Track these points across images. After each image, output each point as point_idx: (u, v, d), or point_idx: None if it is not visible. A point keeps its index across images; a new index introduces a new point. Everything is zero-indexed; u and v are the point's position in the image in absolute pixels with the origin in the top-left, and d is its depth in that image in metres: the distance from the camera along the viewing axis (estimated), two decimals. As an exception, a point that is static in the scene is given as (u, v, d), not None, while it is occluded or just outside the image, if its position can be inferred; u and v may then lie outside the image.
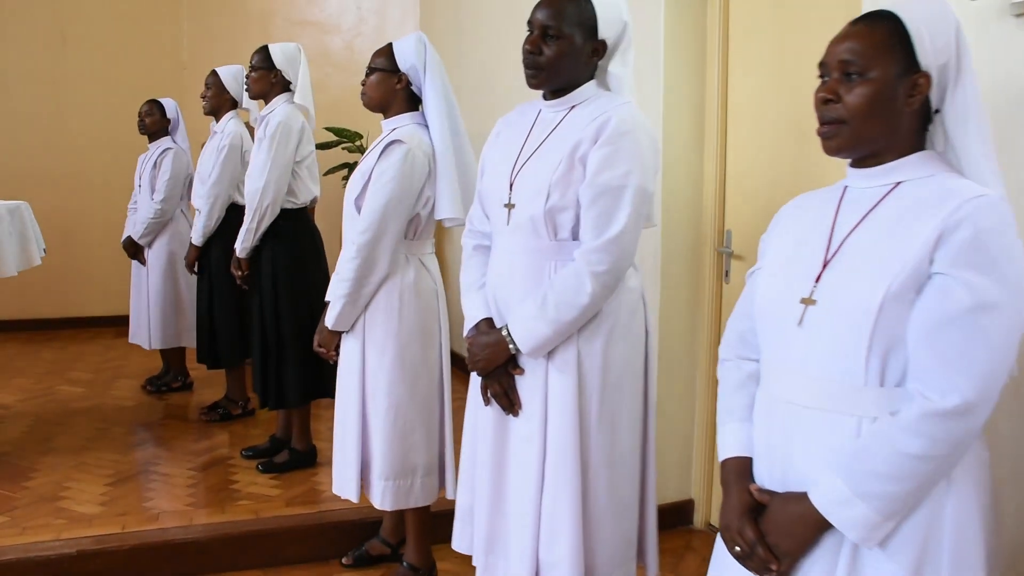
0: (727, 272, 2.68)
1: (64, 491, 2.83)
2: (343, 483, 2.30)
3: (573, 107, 1.70)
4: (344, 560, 2.53)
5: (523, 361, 1.69)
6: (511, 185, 1.71)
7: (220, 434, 3.53)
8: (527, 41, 1.67)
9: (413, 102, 2.28)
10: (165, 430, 3.59)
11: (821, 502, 1.12)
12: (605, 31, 1.67)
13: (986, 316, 1.05)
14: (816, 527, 1.13)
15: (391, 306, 2.21)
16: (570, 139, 1.64)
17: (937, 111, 1.18)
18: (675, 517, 2.80)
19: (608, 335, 1.67)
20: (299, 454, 3.09)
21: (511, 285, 1.71)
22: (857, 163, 1.22)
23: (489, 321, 1.74)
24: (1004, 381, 1.07)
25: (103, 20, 5.69)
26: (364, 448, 2.27)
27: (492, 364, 1.70)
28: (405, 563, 2.39)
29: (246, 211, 2.97)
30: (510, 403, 1.70)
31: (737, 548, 1.20)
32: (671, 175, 2.69)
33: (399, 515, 2.46)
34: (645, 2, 2.75)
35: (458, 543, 1.89)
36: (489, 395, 1.73)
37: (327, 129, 4.76)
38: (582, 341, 1.66)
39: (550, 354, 1.66)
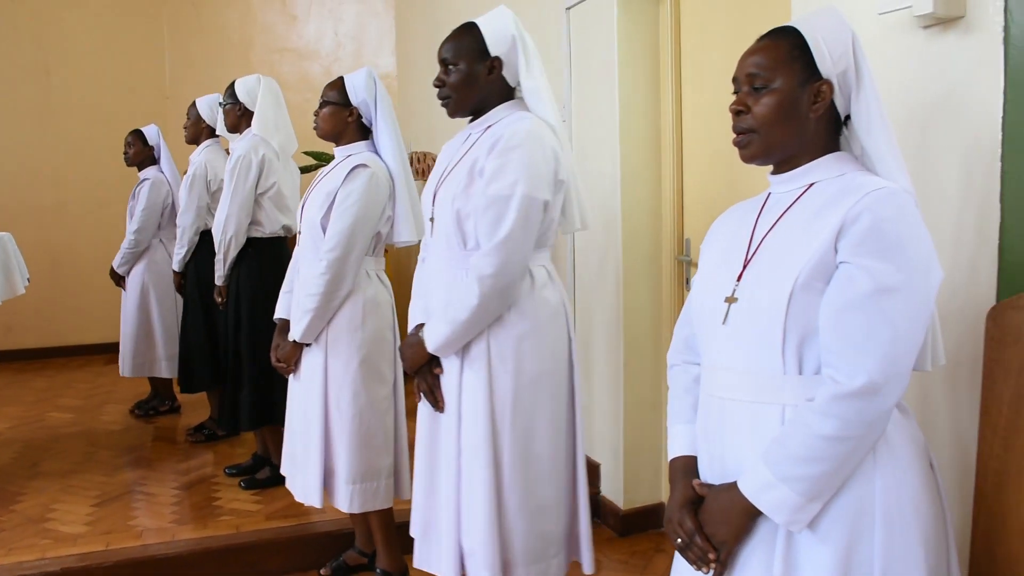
0: (688, 280, 2.78)
1: (51, 513, 2.90)
2: (307, 491, 2.38)
3: (489, 127, 1.85)
4: (322, 571, 2.60)
5: (444, 362, 1.84)
6: (433, 200, 1.87)
7: (205, 454, 3.60)
8: (436, 77, 1.87)
9: (363, 132, 2.42)
10: (152, 452, 3.67)
11: (747, 488, 1.17)
12: (495, 48, 1.84)
13: (887, 299, 1.10)
14: (747, 514, 1.18)
15: (354, 318, 2.32)
16: (474, 154, 1.80)
17: (848, 117, 1.26)
18: (645, 521, 2.88)
19: (518, 340, 1.79)
20: (279, 470, 3.16)
21: (433, 291, 1.86)
22: (776, 170, 1.30)
23: (422, 326, 1.87)
24: (911, 361, 1.13)
25: (87, 52, 5.81)
26: (327, 456, 2.36)
27: (416, 363, 1.86)
28: (378, 570, 2.46)
29: (216, 243, 3.08)
30: (435, 400, 1.85)
31: (679, 540, 1.25)
32: (631, 187, 2.80)
33: (367, 525, 2.54)
34: (599, 23, 2.88)
35: (412, 529, 1.99)
36: (420, 393, 1.88)
37: (306, 153, 4.86)
38: (493, 348, 1.78)
39: (464, 357, 1.80)
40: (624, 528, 2.86)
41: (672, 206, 2.80)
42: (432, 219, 1.88)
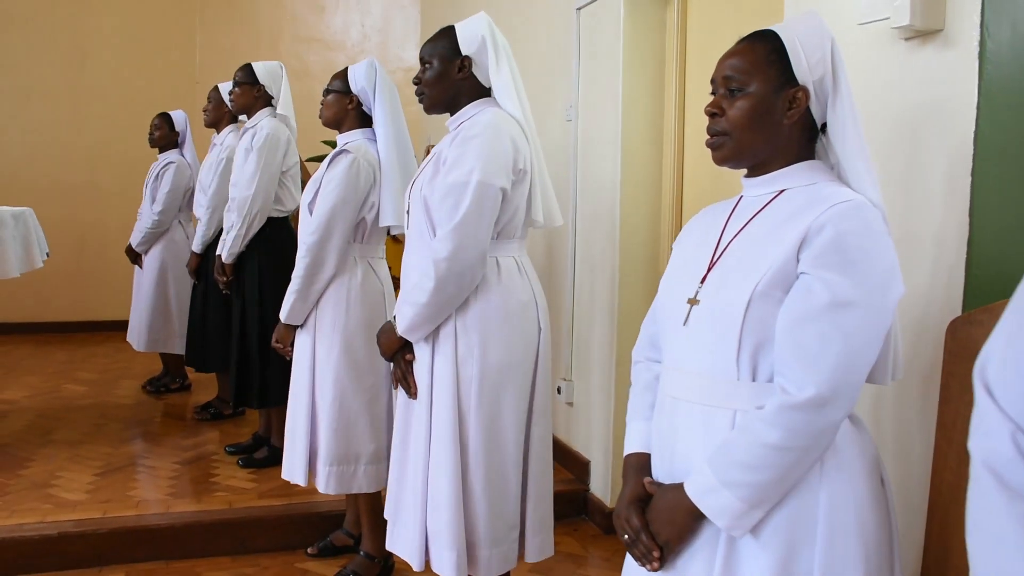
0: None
1: (55, 480, 3.00)
2: (291, 468, 2.45)
3: (461, 123, 1.91)
4: (309, 550, 2.67)
5: (416, 350, 1.90)
6: (409, 193, 1.94)
7: (210, 432, 3.69)
8: (414, 77, 1.95)
9: (365, 120, 2.48)
10: (158, 427, 3.77)
11: (692, 491, 1.17)
12: (466, 48, 1.91)
13: (843, 313, 1.10)
14: (691, 515, 1.18)
15: (339, 303, 2.38)
16: (439, 147, 1.88)
17: (825, 125, 1.26)
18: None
19: (485, 329, 1.83)
20: (277, 451, 3.23)
21: (408, 279, 1.91)
22: (749, 173, 1.30)
23: None
24: (862, 377, 1.13)
25: (121, 39, 5.96)
26: (312, 436, 2.42)
27: (390, 349, 1.93)
28: (362, 552, 2.52)
29: (234, 218, 3.13)
30: (408, 386, 1.91)
31: (625, 536, 1.25)
32: (630, 188, 2.82)
33: (358, 508, 2.59)
34: (607, 24, 2.90)
35: (386, 512, 2.04)
36: (394, 379, 1.94)
37: (324, 142, 4.94)
38: (460, 333, 1.84)
39: (435, 343, 1.85)
40: (610, 525, 2.89)
41: (671, 208, 2.82)
42: (407, 211, 1.96)
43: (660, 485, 1.26)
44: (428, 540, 1.87)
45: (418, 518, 1.87)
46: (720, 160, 1.29)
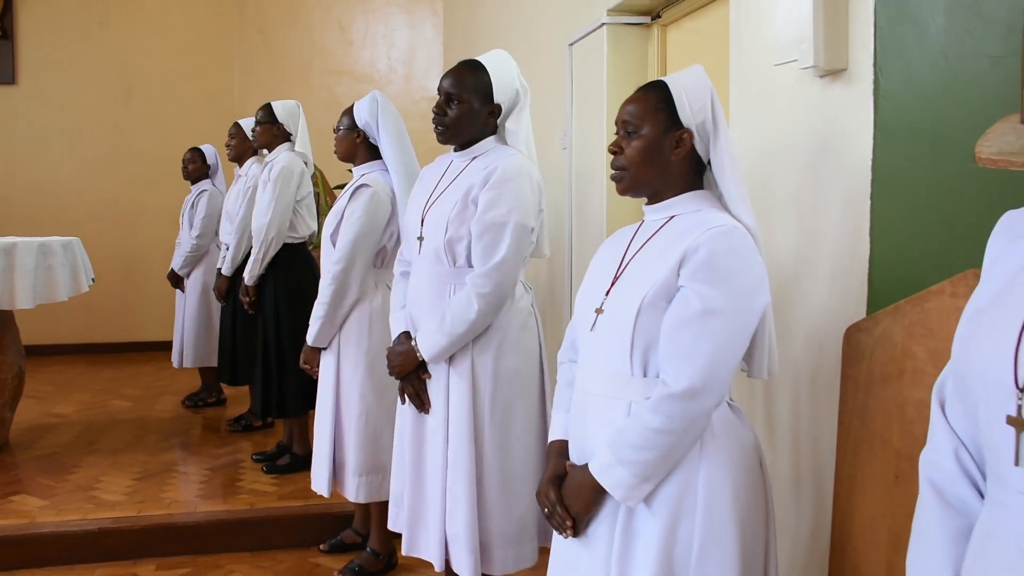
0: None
1: (98, 483, 3.31)
2: (318, 480, 2.68)
3: (475, 158, 2.06)
4: (322, 547, 2.91)
5: (431, 368, 2.04)
6: (422, 221, 2.08)
7: (241, 442, 3.98)
8: (436, 105, 2.05)
9: (375, 151, 2.70)
10: (193, 438, 4.08)
11: (594, 468, 1.38)
12: (500, 96, 2.04)
13: (712, 319, 1.32)
14: (595, 490, 1.39)
15: (362, 326, 2.59)
16: (466, 183, 2.00)
17: (710, 161, 1.48)
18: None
19: (498, 347, 2.00)
20: (298, 458, 3.50)
21: (421, 304, 2.06)
22: (648, 202, 1.52)
23: (407, 334, 2.09)
24: (729, 372, 1.35)
25: (164, 75, 6.40)
26: (337, 450, 2.64)
27: (405, 369, 2.06)
28: (369, 548, 2.74)
29: (253, 244, 3.43)
30: (421, 403, 2.06)
31: (545, 509, 1.47)
32: (615, 213, 3.02)
33: (367, 509, 2.83)
34: (593, 58, 3.12)
35: (392, 523, 2.22)
36: (405, 396, 2.09)
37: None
38: (476, 352, 1.99)
39: (451, 362, 2.00)
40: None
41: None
42: (421, 238, 2.08)
43: (573, 465, 1.47)
44: (448, 543, 2.02)
45: (438, 523, 2.02)
46: (621, 191, 1.51)
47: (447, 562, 2.05)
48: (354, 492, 2.62)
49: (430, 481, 2.07)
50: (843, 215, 1.69)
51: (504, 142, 2.10)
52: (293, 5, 6.54)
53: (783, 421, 1.90)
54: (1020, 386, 0.77)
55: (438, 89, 2.07)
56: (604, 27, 3.00)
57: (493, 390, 2.00)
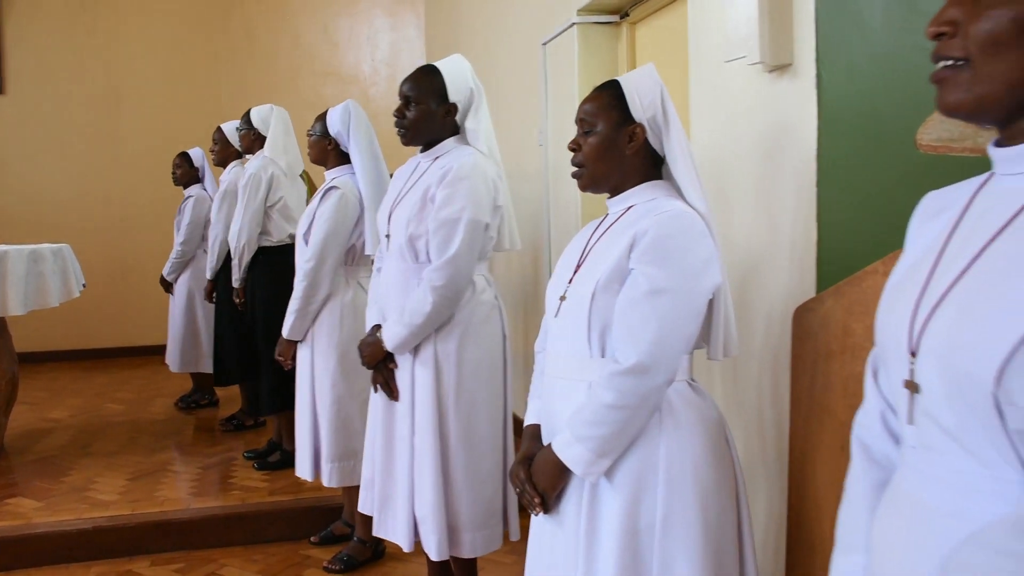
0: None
1: (92, 484, 3.38)
2: (301, 466, 2.79)
3: (437, 158, 2.17)
4: (312, 539, 2.99)
5: (399, 358, 2.15)
6: (389, 219, 2.19)
7: (232, 441, 4.05)
8: (395, 110, 2.16)
9: (346, 157, 2.81)
10: (186, 438, 4.15)
11: (556, 447, 1.45)
12: (455, 96, 2.15)
13: (659, 298, 1.39)
14: (558, 467, 1.45)
15: (333, 319, 2.71)
16: (425, 183, 2.12)
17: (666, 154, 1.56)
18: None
19: (461, 339, 2.10)
20: (288, 454, 3.56)
21: (389, 297, 2.18)
22: (610, 195, 1.59)
23: (378, 326, 2.20)
24: (678, 349, 1.41)
25: (153, 81, 6.45)
26: (315, 437, 2.75)
27: (373, 359, 2.18)
28: (356, 538, 2.83)
29: (231, 248, 3.52)
30: (390, 391, 2.16)
31: (517, 488, 1.55)
32: (588, 208, 3.10)
33: (354, 499, 2.91)
34: (565, 57, 3.20)
35: (363, 506, 2.33)
36: (376, 385, 2.20)
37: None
38: (439, 343, 2.10)
39: (415, 352, 2.11)
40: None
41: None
42: (388, 235, 2.21)
43: (541, 445, 1.54)
44: (417, 525, 2.13)
45: (406, 506, 2.13)
46: (582, 187, 1.59)
47: (418, 544, 2.14)
48: (327, 477, 2.73)
49: (399, 465, 2.17)
50: (795, 203, 1.78)
51: (466, 141, 2.20)
52: (279, 9, 6.60)
53: (747, 402, 1.99)
54: (912, 351, 0.85)
55: (399, 95, 2.18)
56: (575, 27, 3.08)
57: (457, 380, 2.10)
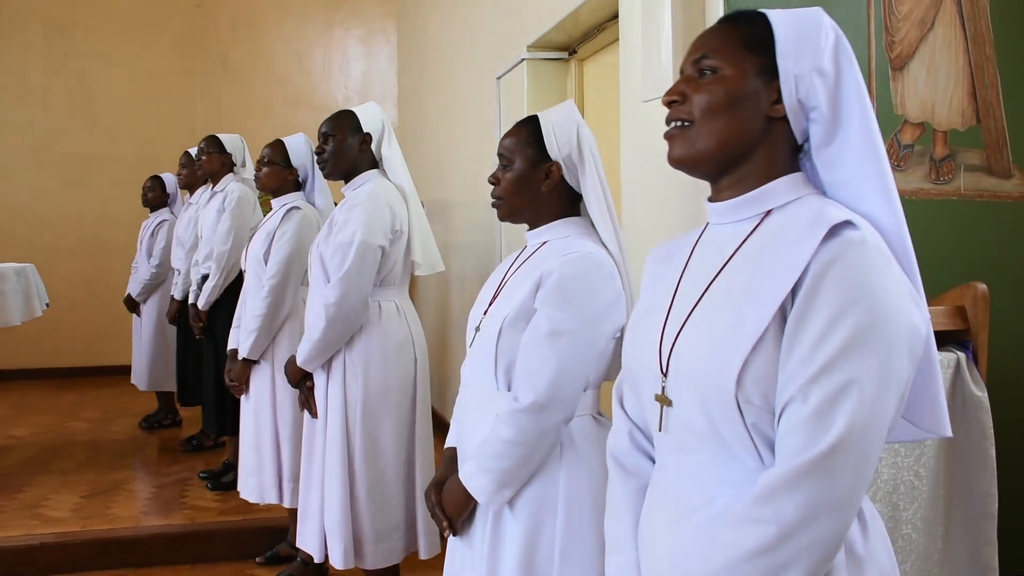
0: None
1: (45, 501, 3.41)
2: (263, 490, 2.81)
3: (355, 189, 2.34)
4: (258, 559, 3.03)
5: (316, 378, 2.30)
6: (312, 250, 2.37)
7: (191, 461, 4.09)
8: (316, 147, 2.36)
9: (297, 186, 2.91)
10: (145, 457, 4.18)
11: (463, 475, 1.50)
12: (368, 126, 2.34)
13: (559, 340, 1.43)
14: (464, 495, 1.50)
15: (294, 337, 2.77)
16: (332, 212, 2.32)
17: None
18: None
19: (367, 361, 2.24)
20: (242, 475, 3.62)
21: (307, 319, 2.34)
22: (528, 228, 1.64)
23: None
24: (574, 389, 1.45)
25: (128, 105, 6.55)
26: (278, 456, 2.80)
27: (295, 377, 2.35)
28: (299, 559, 2.87)
29: (213, 269, 3.55)
30: (310, 407, 2.31)
31: (429, 510, 1.62)
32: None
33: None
34: (516, 90, 3.32)
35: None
36: (300, 402, 2.35)
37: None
38: (348, 363, 2.24)
39: (329, 373, 2.25)
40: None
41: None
42: (310, 263, 2.40)
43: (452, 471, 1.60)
44: (326, 537, 2.25)
45: (317, 519, 2.27)
46: (500, 218, 1.65)
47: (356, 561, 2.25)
48: (289, 497, 2.78)
49: (315, 478, 2.29)
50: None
51: (384, 172, 2.37)
52: (254, 38, 6.74)
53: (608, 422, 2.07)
54: (663, 372, 1.00)
55: (318, 135, 2.38)
56: (525, 62, 3.20)
57: (364, 399, 2.23)
